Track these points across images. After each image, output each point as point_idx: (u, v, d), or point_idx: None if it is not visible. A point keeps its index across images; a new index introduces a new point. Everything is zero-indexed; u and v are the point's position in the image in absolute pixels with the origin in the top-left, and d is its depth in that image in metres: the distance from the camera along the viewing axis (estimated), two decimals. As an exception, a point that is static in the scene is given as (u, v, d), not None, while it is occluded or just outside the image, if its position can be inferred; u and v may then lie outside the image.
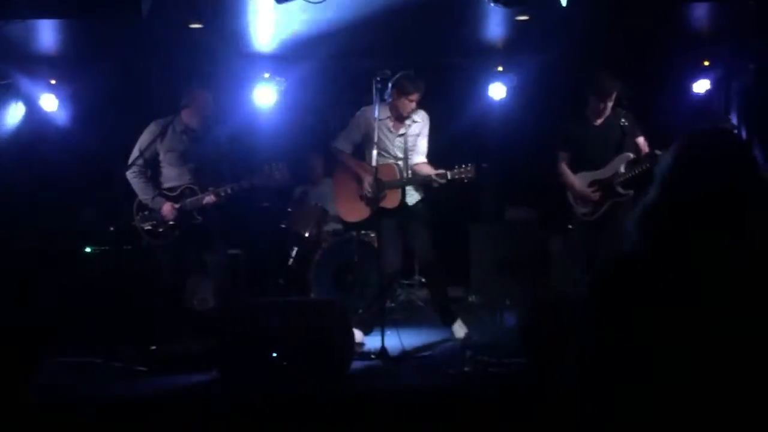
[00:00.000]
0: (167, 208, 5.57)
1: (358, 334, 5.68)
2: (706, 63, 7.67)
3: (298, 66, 7.99)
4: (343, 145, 5.86)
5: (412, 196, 5.80)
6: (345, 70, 8.21)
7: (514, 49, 7.62)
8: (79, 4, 5.39)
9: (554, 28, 6.86)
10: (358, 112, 5.82)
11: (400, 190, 5.67)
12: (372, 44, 6.63)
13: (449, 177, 5.37)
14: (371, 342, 5.55)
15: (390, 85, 5.55)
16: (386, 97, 5.59)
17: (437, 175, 5.41)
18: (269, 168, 5.59)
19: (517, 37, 7.21)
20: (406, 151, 5.72)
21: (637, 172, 5.54)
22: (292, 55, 7.80)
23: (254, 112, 8.19)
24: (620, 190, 5.58)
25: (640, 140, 5.68)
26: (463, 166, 5.32)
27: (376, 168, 5.46)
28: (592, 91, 5.63)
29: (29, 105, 7.75)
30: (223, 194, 5.56)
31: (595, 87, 5.61)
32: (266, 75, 8.04)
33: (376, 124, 5.48)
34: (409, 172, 5.72)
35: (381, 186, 5.62)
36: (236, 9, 6.17)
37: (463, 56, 7.85)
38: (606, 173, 5.65)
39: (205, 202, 5.57)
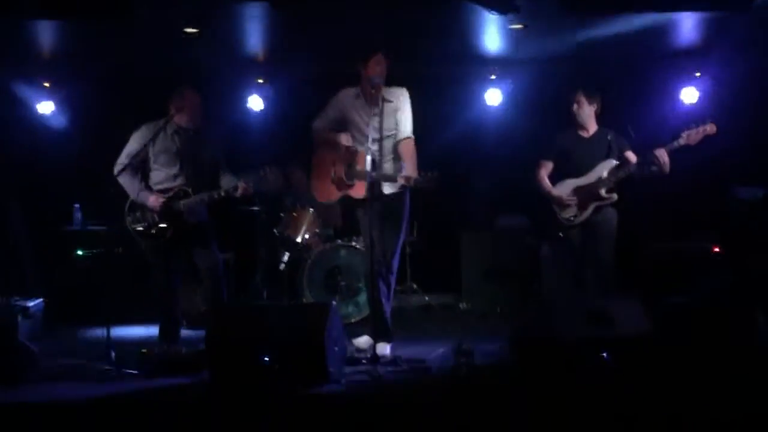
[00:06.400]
0: (153, 200, 5.53)
1: (363, 340, 5.60)
2: (698, 74, 7.74)
3: (288, 72, 8.00)
4: (321, 124, 5.65)
5: (388, 187, 5.43)
6: (337, 76, 8.23)
7: (509, 58, 7.65)
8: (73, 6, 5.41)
9: (548, 37, 6.95)
10: (338, 94, 5.61)
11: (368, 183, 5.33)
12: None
13: (413, 183, 5.15)
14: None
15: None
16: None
17: (403, 178, 5.19)
18: (263, 172, 5.56)
19: (512, 45, 7.25)
20: (381, 131, 5.40)
21: (620, 176, 5.70)
22: (281, 62, 7.80)
23: (244, 118, 8.18)
24: (604, 193, 5.71)
25: (629, 153, 5.80)
26: (429, 173, 5.07)
27: (349, 150, 5.33)
28: (573, 98, 5.86)
29: (24, 108, 7.74)
30: (240, 190, 5.52)
31: (574, 95, 5.86)
32: (260, 80, 8.05)
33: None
34: (382, 160, 5.41)
35: (352, 174, 5.44)
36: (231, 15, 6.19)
37: (457, 64, 7.87)
38: (589, 179, 5.79)
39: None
